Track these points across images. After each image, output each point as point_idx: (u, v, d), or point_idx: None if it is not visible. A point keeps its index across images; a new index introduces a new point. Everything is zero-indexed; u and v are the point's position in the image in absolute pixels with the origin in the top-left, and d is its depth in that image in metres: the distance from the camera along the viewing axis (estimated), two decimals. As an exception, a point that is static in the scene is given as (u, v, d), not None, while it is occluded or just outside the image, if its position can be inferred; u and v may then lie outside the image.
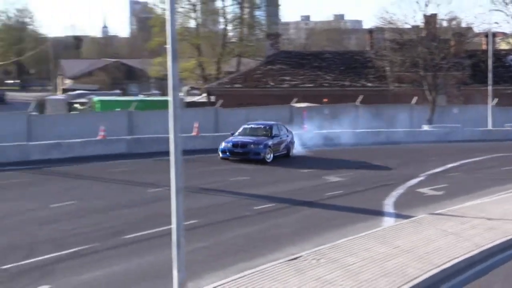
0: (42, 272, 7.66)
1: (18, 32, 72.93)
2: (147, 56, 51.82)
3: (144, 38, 61.17)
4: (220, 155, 17.41)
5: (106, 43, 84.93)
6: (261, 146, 17.14)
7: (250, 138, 17.52)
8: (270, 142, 17.47)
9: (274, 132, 18.17)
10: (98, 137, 19.68)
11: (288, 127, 20.36)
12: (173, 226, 4.99)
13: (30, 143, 18.85)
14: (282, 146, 18.35)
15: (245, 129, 18.51)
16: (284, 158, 18.63)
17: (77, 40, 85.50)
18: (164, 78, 32.85)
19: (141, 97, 41.86)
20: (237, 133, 18.13)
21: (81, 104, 37.32)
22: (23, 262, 7.91)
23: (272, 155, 17.43)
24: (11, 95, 59.98)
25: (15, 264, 7.81)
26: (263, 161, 17.05)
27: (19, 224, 10.35)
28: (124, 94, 48.03)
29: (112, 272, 7.80)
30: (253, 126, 18.74)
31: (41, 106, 36.48)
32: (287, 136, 18.82)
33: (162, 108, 20.39)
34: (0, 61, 64.87)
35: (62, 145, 17.99)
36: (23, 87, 74.73)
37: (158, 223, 9.73)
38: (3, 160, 16.73)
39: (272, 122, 19.46)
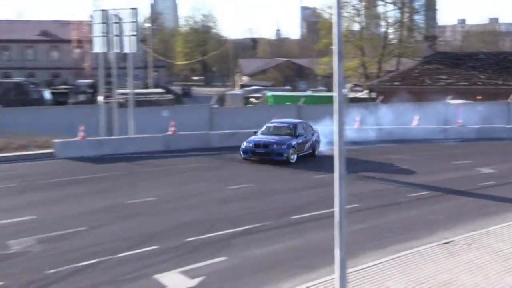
0: (220, 245, 8.59)
1: (203, 35, 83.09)
2: (315, 56, 55.25)
3: (312, 40, 64.45)
4: (242, 155, 16.24)
5: (278, 44, 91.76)
6: (284, 146, 15.95)
7: (273, 137, 16.27)
8: (294, 142, 16.21)
9: (299, 131, 16.85)
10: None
11: (445, 121, 20.93)
12: (336, 209, 5.21)
13: (211, 132, 20.88)
14: (307, 145, 17.06)
15: (268, 127, 17.22)
16: (310, 157, 17.52)
17: (254, 42, 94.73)
18: (330, 76, 38.12)
19: (309, 92, 44.30)
20: (260, 132, 16.94)
21: (256, 98, 40.79)
22: (203, 236, 8.95)
23: (296, 156, 16.18)
24: (196, 90, 67.84)
25: (197, 238, 8.87)
26: (286, 162, 15.85)
27: (202, 203, 11.67)
28: (294, 90, 51.63)
29: (280, 247, 8.57)
30: (276, 124, 17.39)
31: (221, 99, 41.27)
32: (313, 134, 17.52)
33: (328, 103, 20.12)
34: (187, 60, 73.48)
35: (238, 134, 19.34)
36: (207, 83, 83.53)
37: (322, 206, 10.39)
38: (189, 146, 18.86)
39: (297, 120, 18.39)
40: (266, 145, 15.83)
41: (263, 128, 17.06)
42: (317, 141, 17.63)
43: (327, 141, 17.14)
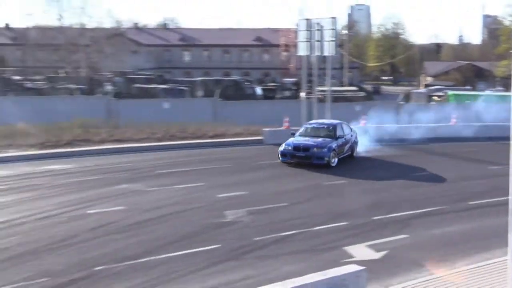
0: (401, 225, 8.86)
1: (393, 40, 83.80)
2: (495, 59, 55.17)
3: (493, 45, 63.33)
4: (280, 158, 14.05)
5: (461, 49, 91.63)
6: (325, 150, 13.71)
7: (314, 140, 14.01)
8: (334, 145, 13.94)
9: (338, 132, 14.50)
10: (450, 123, 21.03)
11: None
12: (510, 197, 5.12)
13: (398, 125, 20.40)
14: (347, 147, 14.84)
15: (306, 129, 15.05)
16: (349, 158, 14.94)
17: (438, 46, 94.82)
18: (508, 77, 35.20)
19: (487, 92, 40.05)
20: (298, 134, 14.75)
21: (438, 96, 39.43)
22: (387, 216, 9.29)
23: (336, 159, 13.93)
24: (385, 89, 67.67)
25: (381, 217, 9.24)
26: (326, 166, 13.62)
27: (387, 187, 12.04)
28: (473, 90, 47.82)
29: (456, 229, 8.67)
30: (315, 126, 15.11)
31: (407, 97, 41.40)
32: (351, 135, 15.22)
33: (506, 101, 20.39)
34: (378, 63, 72.95)
35: (420, 127, 19.45)
36: (394, 82, 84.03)
37: (497, 194, 9.84)
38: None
39: (336, 121, 15.50)
40: (306, 148, 13.73)
41: (301, 129, 15.14)
42: (355, 142, 15.52)
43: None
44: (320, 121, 16.16)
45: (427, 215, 9.38)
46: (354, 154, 15.47)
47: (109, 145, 16.58)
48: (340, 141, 14.29)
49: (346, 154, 14.84)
